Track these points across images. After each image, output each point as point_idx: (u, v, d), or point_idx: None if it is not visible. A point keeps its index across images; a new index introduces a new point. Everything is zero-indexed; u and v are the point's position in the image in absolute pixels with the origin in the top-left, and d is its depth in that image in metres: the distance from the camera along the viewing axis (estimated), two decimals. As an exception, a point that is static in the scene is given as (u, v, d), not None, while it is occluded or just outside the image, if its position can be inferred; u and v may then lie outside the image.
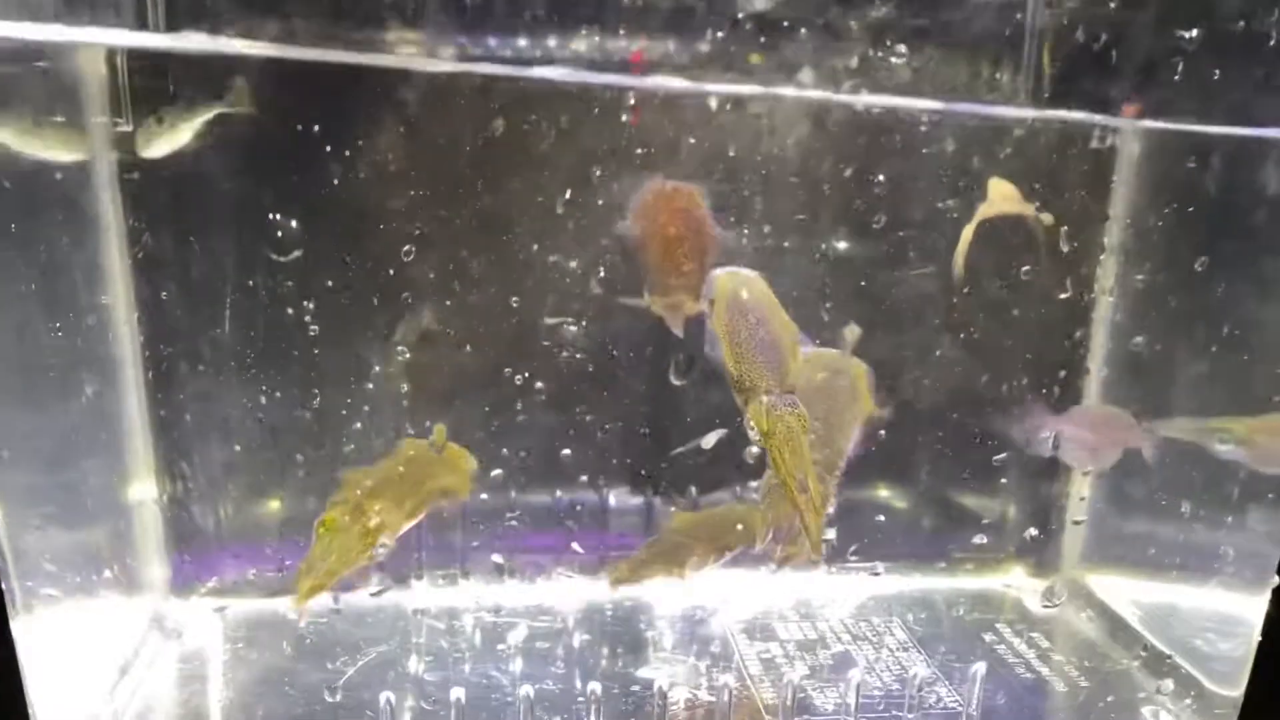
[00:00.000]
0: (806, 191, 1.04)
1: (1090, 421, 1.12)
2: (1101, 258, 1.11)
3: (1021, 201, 1.04)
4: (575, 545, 1.10)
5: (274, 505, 1.07)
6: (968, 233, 1.03)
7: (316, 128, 0.95)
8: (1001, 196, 1.03)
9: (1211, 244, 1.00)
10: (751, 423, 0.80)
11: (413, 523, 0.87)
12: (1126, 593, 1.12)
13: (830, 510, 0.88)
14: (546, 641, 1.03)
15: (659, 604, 1.10)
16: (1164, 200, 1.07)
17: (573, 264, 1.03)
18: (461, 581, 1.10)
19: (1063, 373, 1.14)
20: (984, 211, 1.03)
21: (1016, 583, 1.18)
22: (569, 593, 1.10)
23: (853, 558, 1.11)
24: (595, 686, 0.92)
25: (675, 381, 1.03)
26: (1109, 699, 0.99)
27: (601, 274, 1.03)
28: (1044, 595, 1.15)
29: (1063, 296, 1.11)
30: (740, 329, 0.82)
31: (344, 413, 1.04)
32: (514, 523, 1.10)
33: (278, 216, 0.96)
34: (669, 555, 1.00)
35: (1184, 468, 1.03)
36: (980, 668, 0.96)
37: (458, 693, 0.87)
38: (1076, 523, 1.16)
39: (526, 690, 0.91)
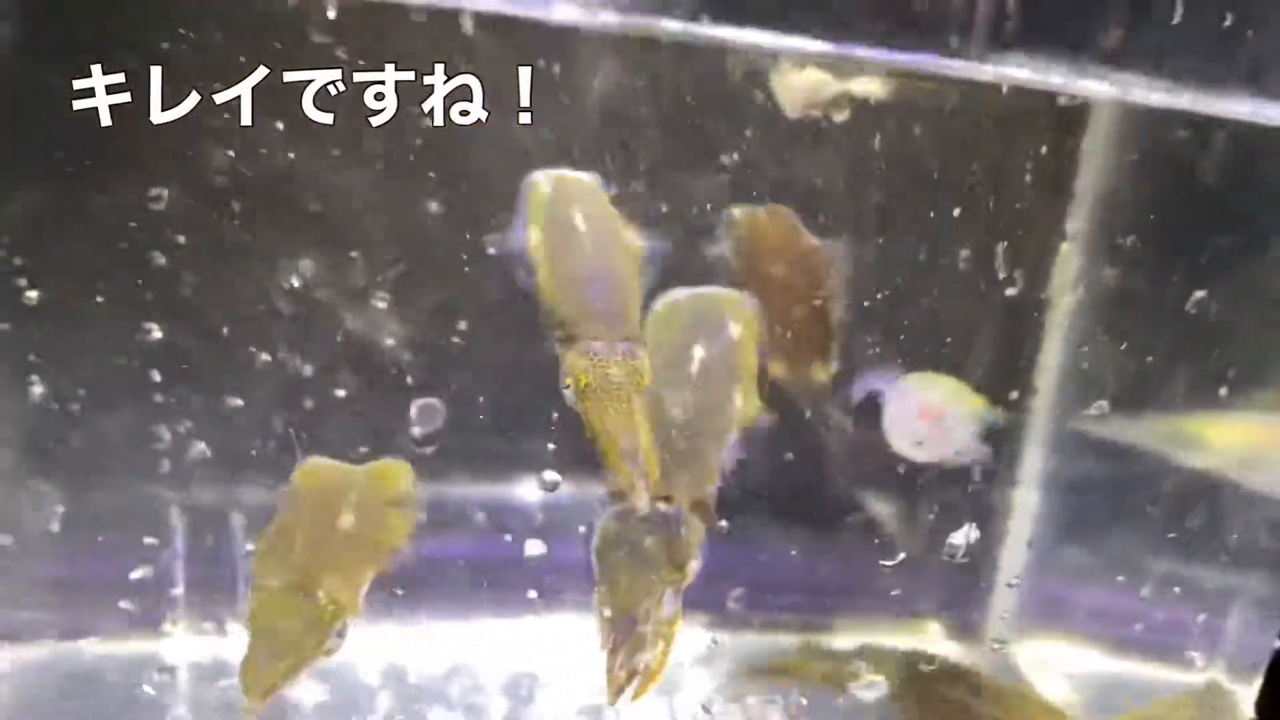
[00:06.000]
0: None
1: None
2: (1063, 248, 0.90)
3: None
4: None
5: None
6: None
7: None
8: None
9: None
10: (567, 377, 0.64)
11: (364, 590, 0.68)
12: (1065, 670, 0.93)
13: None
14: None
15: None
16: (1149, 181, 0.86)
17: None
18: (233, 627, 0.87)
19: (1012, 393, 0.92)
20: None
21: (933, 646, 0.96)
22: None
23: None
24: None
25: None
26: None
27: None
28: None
29: (1010, 293, 0.90)
30: (562, 253, 0.66)
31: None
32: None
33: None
34: None
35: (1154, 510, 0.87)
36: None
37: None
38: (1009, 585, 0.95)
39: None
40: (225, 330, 0.82)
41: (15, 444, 0.83)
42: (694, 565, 0.64)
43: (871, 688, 0.75)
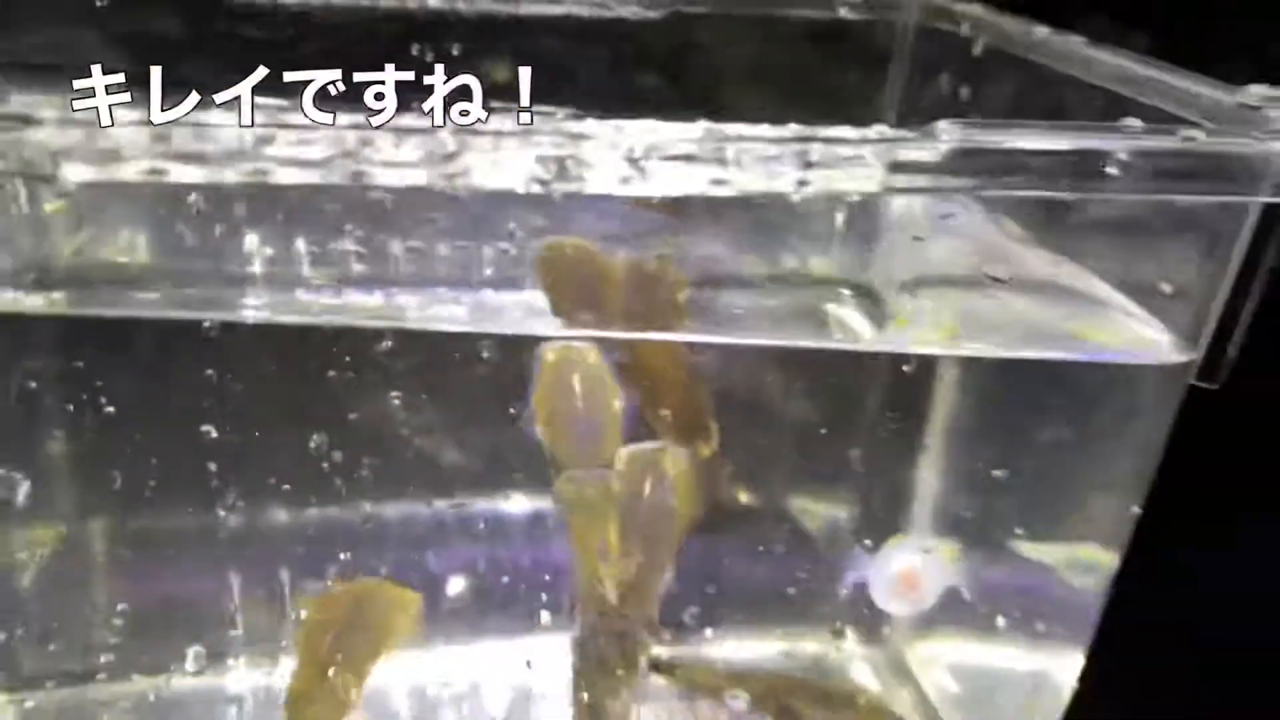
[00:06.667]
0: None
1: None
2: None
3: None
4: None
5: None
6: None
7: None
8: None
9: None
10: (558, 496, 0.80)
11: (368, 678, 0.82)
12: (949, 664, 1.02)
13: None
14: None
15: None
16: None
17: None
18: (286, 661, 0.98)
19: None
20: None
21: (849, 648, 1.07)
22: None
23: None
24: None
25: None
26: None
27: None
28: None
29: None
30: (559, 408, 0.80)
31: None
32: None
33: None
34: None
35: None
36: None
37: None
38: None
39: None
40: (269, 430, 1.00)
41: (102, 523, 1.01)
42: (644, 665, 0.83)
43: (736, 699, 0.89)
